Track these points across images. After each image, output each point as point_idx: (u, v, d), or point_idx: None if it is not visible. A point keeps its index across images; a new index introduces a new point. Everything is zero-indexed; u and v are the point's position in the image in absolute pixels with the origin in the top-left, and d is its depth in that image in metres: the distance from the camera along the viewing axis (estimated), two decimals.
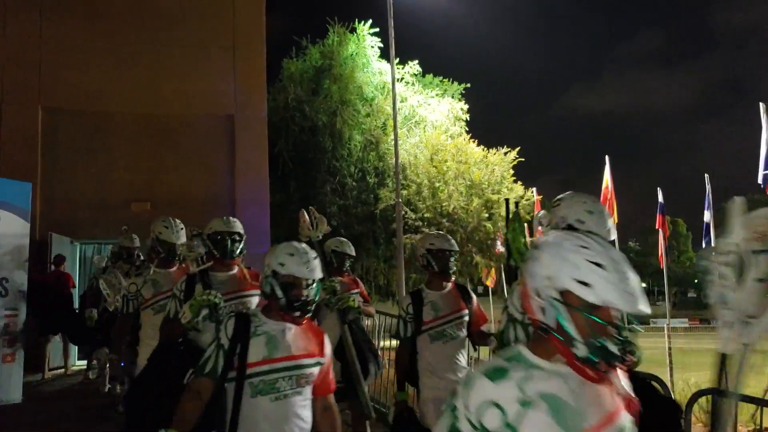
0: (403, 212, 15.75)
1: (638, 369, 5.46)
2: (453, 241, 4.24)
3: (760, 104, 12.96)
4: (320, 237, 4.98)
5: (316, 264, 2.72)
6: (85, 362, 10.14)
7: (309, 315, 2.75)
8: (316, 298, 2.73)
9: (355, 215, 17.65)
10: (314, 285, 2.70)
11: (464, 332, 4.18)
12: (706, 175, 16.66)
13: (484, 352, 4.96)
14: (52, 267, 10.21)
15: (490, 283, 26.98)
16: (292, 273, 2.66)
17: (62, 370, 10.44)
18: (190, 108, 12.78)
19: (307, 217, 4.90)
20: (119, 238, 7.69)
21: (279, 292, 2.66)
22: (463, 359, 4.17)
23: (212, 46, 13.12)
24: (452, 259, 4.16)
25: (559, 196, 2.81)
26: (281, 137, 17.07)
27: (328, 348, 2.85)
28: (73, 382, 9.67)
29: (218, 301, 3.55)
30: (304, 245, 2.77)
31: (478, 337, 4.25)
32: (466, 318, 4.18)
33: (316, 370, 2.75)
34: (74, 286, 10.20)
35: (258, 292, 3.79)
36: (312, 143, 17.58)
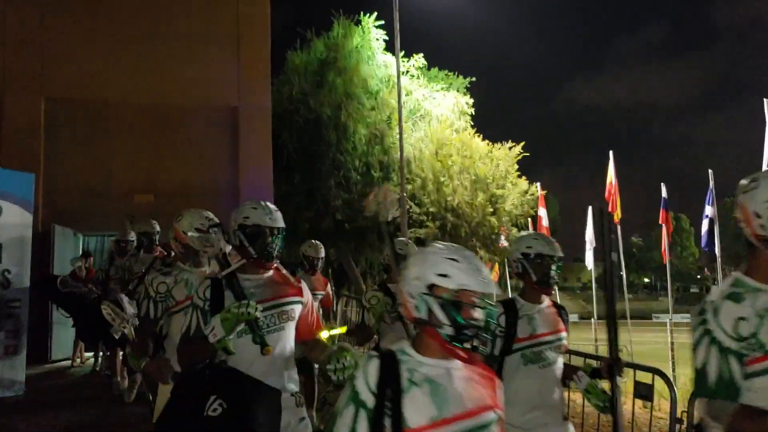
0: (408, 207, 15.71)
1: (641, 363, 5.41)
2: (556, 245, 3.47)
3: (765, 100, 12.92)
4: (389, 219, 4.53)
5: (488, 272, 1.94)
6: (91, 353, 10.15)
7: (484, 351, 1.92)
8: (492, 323, 1.92)
9: (359, 209, 17.61)
10: (491, 302, 1.91)
11: (562, 359, 3.42)
12: (710, 171, 16.63)
13: None
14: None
15: (493, 277, 27.08)
16: (463, 286, 1.85)
17: (69, 362, 10.45)
18: (194, 98, 12.74)
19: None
20: (129, 225, 7.53)
21: (442, 315, 1.84)
22: (559, 391, 3.36)
23: (216, 36, 13.07)
24: (554, 267, 3.39)
25: (745, 180, 2.16)
26: (285, 129, 17.02)
27: (501, 394, 2.01)
28: (78, 375, 9.66)
29: (259, 314, 2.87)
30: (466, 250, 1.99)
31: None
32: (565, 342, 3.43)
33: (497, 428, 1.91)
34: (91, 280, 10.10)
35: (301, 298, 3.19)
36: (316, 136, 17.53)
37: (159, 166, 12.37)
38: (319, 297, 6.21)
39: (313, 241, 6.61)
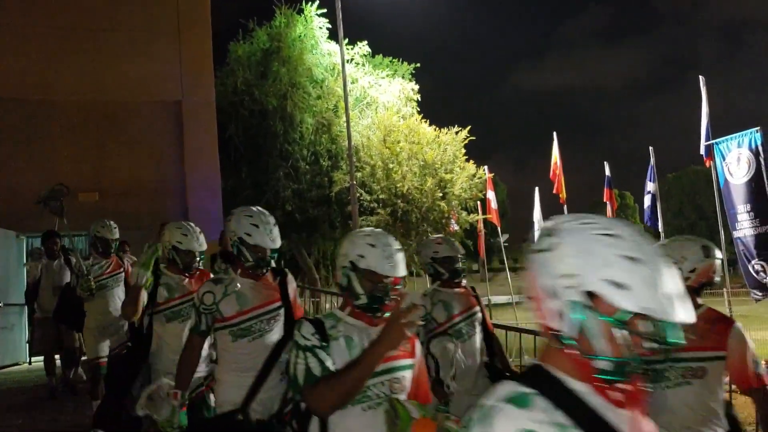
0: (358, 194, 15.73)
1: None
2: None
3: (700, 77, 13.32)
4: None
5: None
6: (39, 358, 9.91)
7: None
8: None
9: (309, 199, 17.56)
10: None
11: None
12: (650, 148, 17.09)
13: None
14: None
15: None
16: (644, 310, 1.24)
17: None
18: (136, 94, 12.50)
19: None
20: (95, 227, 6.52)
21: (603, 344, 1.24)
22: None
23: (157, 30, 12.83)
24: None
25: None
26: (231, 122, 16.83)
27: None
28: (28, 380, 9.42)
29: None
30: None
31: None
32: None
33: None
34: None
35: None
36: (263, 127, 17.38)
37: (103, 164, 12.12)
38: None
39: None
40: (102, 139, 12.24)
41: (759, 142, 11.42)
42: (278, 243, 3.34)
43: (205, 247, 4.34)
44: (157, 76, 12.65)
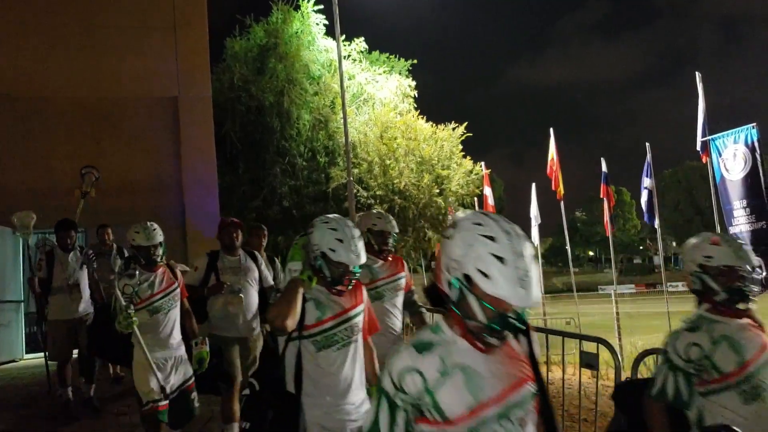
0: (355, 191, 15.73)
1: (588, 334, 5.60)
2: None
3: (696, 73, 13.33)
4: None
5: None
6: (35, 355, 9.90)
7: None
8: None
9: (306, 195, 17.54)
10: None
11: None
12: (647, 144, 17.11)
13: None
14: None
15: None
16: None
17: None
18: (132, 90, 12.47)
19: None
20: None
21: None
22: None
23: (153, 26, 12.79)
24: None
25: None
26: (228, 118, 16.79)
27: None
28: (26, 376, 9.41)
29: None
30: None
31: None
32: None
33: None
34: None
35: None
36: (259, 124, 17.34)
37: (99, 161, 12.01)
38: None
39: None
40: (98, 136, 12.20)
41: (755, 138, 11.44)
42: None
43: (363, 260, 3.16)
44: (153, 72, 12.62)
